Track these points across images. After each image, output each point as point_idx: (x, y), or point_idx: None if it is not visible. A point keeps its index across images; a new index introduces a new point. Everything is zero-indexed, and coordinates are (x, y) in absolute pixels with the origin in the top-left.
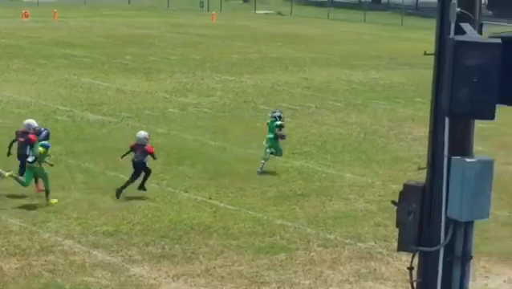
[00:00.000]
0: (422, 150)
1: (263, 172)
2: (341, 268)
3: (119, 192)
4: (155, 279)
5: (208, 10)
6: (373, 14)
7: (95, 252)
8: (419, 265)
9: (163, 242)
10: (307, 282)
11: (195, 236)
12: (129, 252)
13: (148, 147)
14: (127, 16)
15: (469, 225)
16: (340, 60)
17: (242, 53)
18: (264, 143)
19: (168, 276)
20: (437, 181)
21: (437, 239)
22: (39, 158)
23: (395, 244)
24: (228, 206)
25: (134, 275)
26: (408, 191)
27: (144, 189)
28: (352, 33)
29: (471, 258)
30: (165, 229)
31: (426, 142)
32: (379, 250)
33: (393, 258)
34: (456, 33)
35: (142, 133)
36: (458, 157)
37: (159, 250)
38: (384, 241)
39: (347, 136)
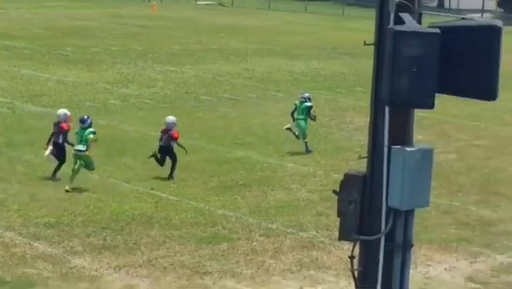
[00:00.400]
0: (363, 140)
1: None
2: (283, 257)
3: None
4: (96, 271)
5: (149, 1)
6: (314, 5)
7: (36, 244)
8: (360, 254)
9: (104, 234)
10: (249, 271)
11: (137, 227)
12: (70, 243)
13: (173, 132)
14: (68, 7)
15: (409, 213)
16: (282, 51)
17: (184, 44)
18: (293, 124)
19: (110, 267)
20: (378, 170)
21: (378, 228)
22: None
23: (336, 233)
24: (170, 197)
25: (75, 267)
26: (348, 180)
27: (173, 178)
28: (293, 23)
29: (412, 246)
30: (107, 220)
31: (367, 131)
32: (321, 239)
33: (335, 247)
34: (395, 23)
35: (171, 118)
36: (398, 146)
37: (100, 242)
38: (326, 230)
39: None
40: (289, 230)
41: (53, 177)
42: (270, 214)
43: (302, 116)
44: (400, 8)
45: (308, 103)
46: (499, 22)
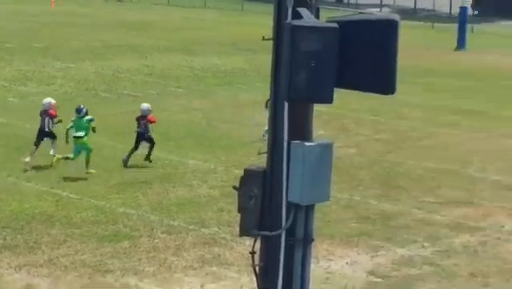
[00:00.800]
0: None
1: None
2: (185, 254)
3: (125, 161)
4: None
5: None
6: (214, 0)
7: None
8: (261, 249)
9: (4, 233)
10: (151, 269)
11: (37, 226)
12: None
13: (150, 117)
14: None
15: (309, 208)
16: (181, 46)
17: (83, 40)
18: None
19: (11, 267)
20: (278, 165)
21: (279, 223)
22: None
23: (238, 229)
24: (70, 195)
25: None
26: (248, 176)
27: (150, 161)
28: (193, 19)
29: (312, 240)
30: (6, 219)
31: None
32: (223, 235)
33: (237, 243)
34: (293, 18)
35: (145, 105)
36: (298, 141)
37: (0, 241)
38: (228, 226)
39: (190, 123)
40: (191, 227)
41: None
42: (171, 211)
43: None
44: (298, 3)
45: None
46: (396, 16)
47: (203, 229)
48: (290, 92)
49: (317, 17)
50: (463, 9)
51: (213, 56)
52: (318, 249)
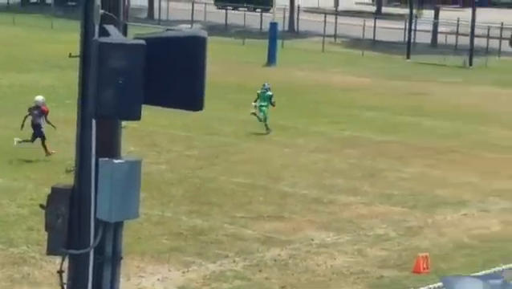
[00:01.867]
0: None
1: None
2: None
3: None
4: None
5: None
6: (22, 17)
7: None
8: (69, 268)
9: None
10: None
11: None
12: None
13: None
14: None
15: (118, 225)
16: None
17: None
18: (255, 110)
19: None
20: (86, 182)
21: (87, 241)
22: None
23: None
24: None
25: None
26: (56, 194)
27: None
28: (1, 35)
29: (121, 258)
30: None
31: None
32: (33, 254)
33: (47, 262)
34: (100, 35)
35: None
36: (106, 159)
37: None
38: (37, 245)
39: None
40: None
41: (47, 153)
42: None
43: (264, 103)
44: (105, 20)
45: (269, 93)
46: (204, 33)
47: (12, 249)
48: (98, 109)
49: (124, 34)
50: (273, 25)
51: (22, 73)
52: (129, 266)
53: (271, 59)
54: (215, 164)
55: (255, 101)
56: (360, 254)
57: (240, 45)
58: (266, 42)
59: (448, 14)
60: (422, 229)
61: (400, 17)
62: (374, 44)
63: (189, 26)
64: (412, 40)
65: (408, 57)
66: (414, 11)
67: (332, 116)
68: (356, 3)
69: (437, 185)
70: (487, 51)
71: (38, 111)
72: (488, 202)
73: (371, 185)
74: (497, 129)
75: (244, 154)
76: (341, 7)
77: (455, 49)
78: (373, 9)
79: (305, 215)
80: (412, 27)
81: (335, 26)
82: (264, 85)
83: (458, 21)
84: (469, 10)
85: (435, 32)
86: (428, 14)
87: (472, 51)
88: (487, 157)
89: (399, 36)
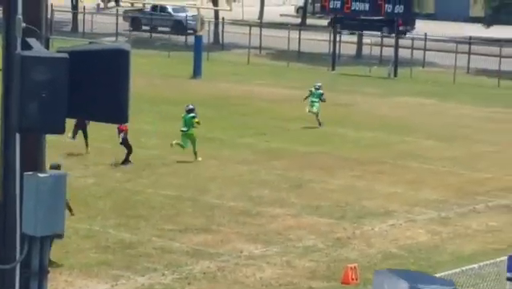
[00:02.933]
0: None
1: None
2: None
3: None
4: None
5: None
6: None
7: None
8: None
9: None
10: None
11: None
12: None
13: None
14: None
15: (45, 240)
16: None
17: None
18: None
19: None
20: (11, 197)
21: (14, 256)
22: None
23: None
24: None
25: None
26: None
27: None
28: None
29: (48, 272)
30: None
31: None
32: None
33: None
34: (23, 48)
35: None
36: (31, 173)
37: None
38: None
39: None
40: None
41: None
42: None
43: (316, 100)
44: (27, 33)
45: (320, 91)
46: (127, 46)
47: None
48: (21, 123)
49: (47, 47)
50: (198, 37)
51: None
52: (58, 280)
53: (197, 72)
54: (142, 176)
55: (306, 98)
56: (289, 266)
57: (165, 58)
58: (191, 55)
59: None
60: (350, 240)
61: (324, 28)
62: (299, 56)
63: (114, 39)
64: (336, 51)
65: (333, 68)
66: None
67: (258, 128)
68: (281, 15)
69: (364, 195)
70: (411, 62)
71: None
72: (414, 212)
73: (298, 196)
74: (421, 139)
75: (171, 167)
76: (265, 19)
77: (380, 60)
78: (298, 21)
79: (233, 227)
80: (337, 39)
81: (260, 38)
82: (316, 84)
83: (382, 32)
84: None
85: (360, 43)
86: None
87: (396, 62)
88: (413, 167)
89: (324, 48)
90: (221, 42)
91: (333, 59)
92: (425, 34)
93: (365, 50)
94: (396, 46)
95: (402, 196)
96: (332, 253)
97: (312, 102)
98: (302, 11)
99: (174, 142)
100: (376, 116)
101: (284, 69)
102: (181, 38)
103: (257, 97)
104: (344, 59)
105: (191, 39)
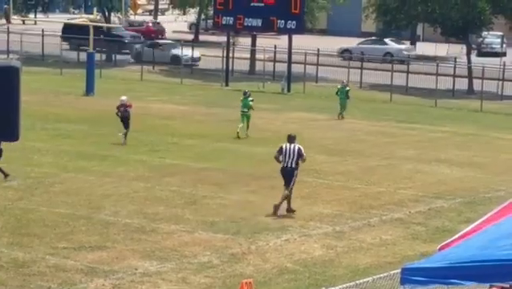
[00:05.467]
0: None
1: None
2: None
3: None
4: None
5: None
6: None
7: None
8: None
9: None
10: None
11: None
12: None
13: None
14: None
15: None
16: None
17: None
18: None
19: None
20: None
21: None
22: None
23: None
24: None
25: None
26: None
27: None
28: None
29: None
30: None
31: None
32: None
33: None
34: None
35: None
36: None
37: None
38: None
39: None
40: None
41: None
42: None
43: (343, 96)
44: None
45: (347, 88)
46: (17, 63)
47: None
48: None
49: None
50: (90, 54)
51: None
52: None
53: (89, 89)
54: (35, 195)
55: (336, 93)
56: (184, 282)
57: (58, 75)
58: (83, 72)
59: (264, 42)
60: (245, 255)
61: (217, 45)
62: (192, 72)
63: (5, 56)
64: (230, 67)
65: (226, 84)
66: (231, 39)
67: (152, 145)
68: (174, 31)
69: (259, 211)
70: (304, 77)
71: (124, 108)
72: (309, 227)
73: (193, 212)
74: (314, 154)
75: (64, 184)
76: None
77: (273, 76)
78: (190, 37)
79: (128, 244)
80: (230, 55)
81: (153, 54)
82: (343, 82)
83: (275, 48)
84: (285, 38)
85: (252, 59)
86: (245, 41)
87: (289, 78)
88: (307, 182)
89: (217, 64)
90: (113, 59)
91: (226, 75)
92: (318, 50)
93: (258, 65)
94: (289, 62)
95: (297, 211)
96: (227, 268)
97: (341, 99)
98: (195, 28)
99: (240, 126)
100: (270, 130)
101: (177, 85)
102: (73, 55)
103: (150, 114)
104: (237, 75)
105: (83, 56)
